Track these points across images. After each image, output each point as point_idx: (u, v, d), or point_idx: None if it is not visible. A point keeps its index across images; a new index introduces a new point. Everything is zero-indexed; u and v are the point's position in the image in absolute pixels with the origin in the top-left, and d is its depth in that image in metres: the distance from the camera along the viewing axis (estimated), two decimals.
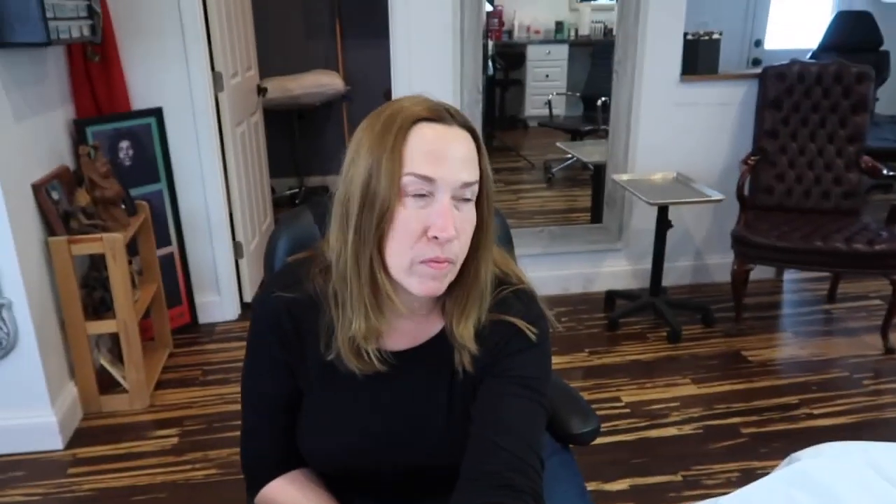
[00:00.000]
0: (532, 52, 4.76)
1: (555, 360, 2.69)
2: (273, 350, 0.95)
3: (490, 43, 4.58)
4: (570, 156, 4.17)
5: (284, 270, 1.01)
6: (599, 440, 2.13)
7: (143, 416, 2.33)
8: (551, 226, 3.29)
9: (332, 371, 0.93)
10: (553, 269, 3.24)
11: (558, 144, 4.20)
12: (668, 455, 2.11)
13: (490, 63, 4.66)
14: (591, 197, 3.55)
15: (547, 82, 4.77)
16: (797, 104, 2.99)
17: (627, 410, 2.35)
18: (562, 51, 4.68)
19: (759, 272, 3.24)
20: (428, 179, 0.81)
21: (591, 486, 1.96)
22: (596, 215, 3.36)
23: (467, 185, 0.83)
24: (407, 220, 0.82)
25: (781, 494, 0.89)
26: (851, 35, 4.59)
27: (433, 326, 0.96)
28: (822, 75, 2.96)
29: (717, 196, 2.72)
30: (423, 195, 0.82)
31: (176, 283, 2.85)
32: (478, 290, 0.91)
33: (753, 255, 2.75)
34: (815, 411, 2.33)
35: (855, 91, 2.94)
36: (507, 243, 1.28)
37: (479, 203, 0.88)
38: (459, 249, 0.85)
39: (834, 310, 3.14)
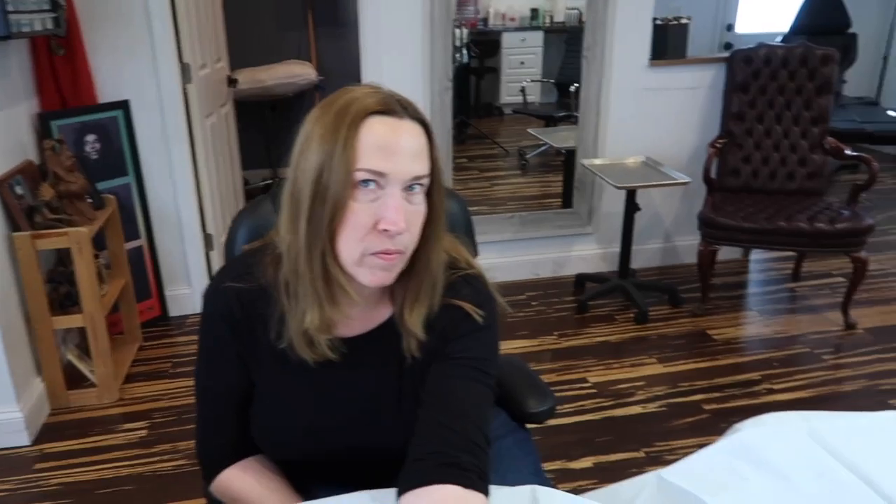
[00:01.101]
0: (507, 40, 4.76)
1: (524, 343, 2.74)
2: (225, 339, 0.96)
3: (465, 31, 4.57)
4: (543, 142, 4.19)
5: (235, 261, 1.02)
6: (566, 420, 2.20)
7: (111, 410, 2.33)
8: (523, 212, 3.31)
9: (283, 359, 0.94)
10: (524, 254, 3.26)
11: (530, 131, 4.22)
12: (633, 433, 2.15)
13: (465, 51, 4.66)
14: (563, 182, 3.57)
15: (522, 69, 4.78)
16: (764, 87, 3.02)
17: (594, 391, 2.38)
18: (537, 38, 4.69)
19: (727, 253, 3.29)
20: (379, 174, 0.82)
21: (555, 465, 1.99)
22: (567, 200, 3.39)
23: (418, 178, 0.84)
24: (358, 214, 0.82)
25: (723, 464, 0.91)
26: (820, 18, 4.63)
27: (382, 313, 0.97)
28: (788, 58, 2.99)
29: (683, 179, 2.76)
30: (374, 188, 0.82)
31: (145, 276, 2.84)
32: (430, 280, 0.92)
33: (719, 236, 2.78)
34: (776, 386, 2.38)
35: (820, 73, 2.96)
36: (467, 230, 1.28)
37: (431, 193, 0.88)
38: (409, 241, 0.86)
39: (798, 288, 3.19)
